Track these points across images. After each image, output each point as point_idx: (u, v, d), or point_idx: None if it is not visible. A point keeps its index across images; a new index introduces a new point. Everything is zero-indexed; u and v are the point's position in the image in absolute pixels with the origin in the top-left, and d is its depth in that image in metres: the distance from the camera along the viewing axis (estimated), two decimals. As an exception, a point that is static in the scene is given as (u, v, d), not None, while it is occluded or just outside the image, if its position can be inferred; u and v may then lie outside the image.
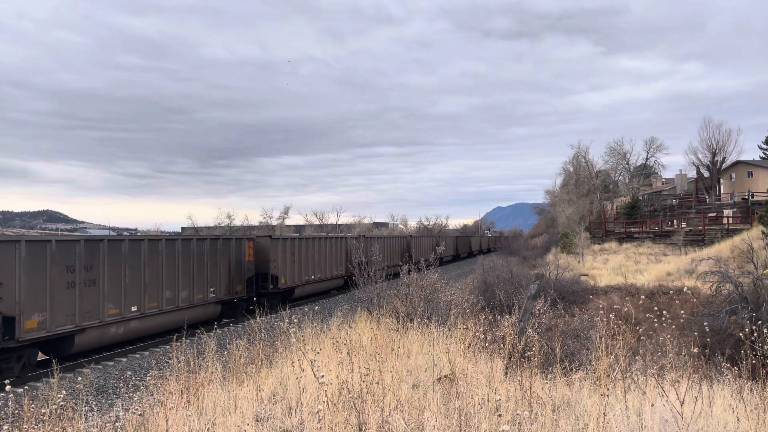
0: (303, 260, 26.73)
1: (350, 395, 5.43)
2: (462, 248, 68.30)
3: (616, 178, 73.99)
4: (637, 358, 7.96)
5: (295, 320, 8.18)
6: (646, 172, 74.15)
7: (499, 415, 4.97)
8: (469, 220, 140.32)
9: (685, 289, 21.07)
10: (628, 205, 61.84)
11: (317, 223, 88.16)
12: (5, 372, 13.00)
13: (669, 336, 7.07)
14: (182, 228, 79.73)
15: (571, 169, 71.60)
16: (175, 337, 9.06)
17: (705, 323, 14.01)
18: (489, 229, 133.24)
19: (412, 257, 41.69)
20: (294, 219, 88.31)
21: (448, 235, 75.41)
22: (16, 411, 5.91)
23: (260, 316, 10.20)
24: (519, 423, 4.84)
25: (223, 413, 6.05)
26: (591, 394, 6.35)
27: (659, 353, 7.88)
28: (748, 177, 60.46)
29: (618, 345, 6.43)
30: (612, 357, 6.61)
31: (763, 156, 75.00)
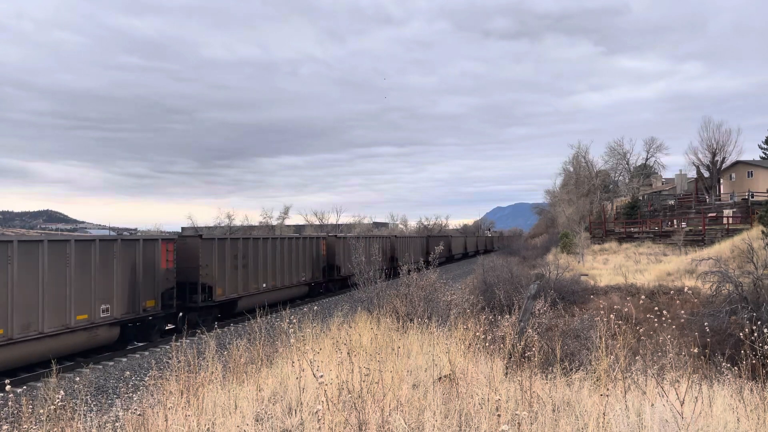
0: (250, 266, 23.22)
1: (350, 395, 5.42)
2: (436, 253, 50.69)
3: (616, 178, 74.01)
4: (637, 358, 7.95)
5: (295, 321, 8.18)
6: (646, 172, 74.18)
7: (499, 415, 4.96)
8: (469, 220, 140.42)
9: (685, 289, 21.08)
10: (628, 205, 61.86)
11: (317, 223, 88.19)
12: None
13: (669, 336, 7.07)
14: (182, 228, 79.75)
15: (571, 169, 71.57)
16: (174, 337, 9.06)
17: (705, 323, 14.02)
18: (489, 229, 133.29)
19: (337, 269, 31.43)
20: (294, 219, 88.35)
21: (415, 236, 60.57)
22: (15, 411, 5.90)
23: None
24: (519, 423, 4.83)
25: (223, 413, 6.05)
26: (591, 394, 6.34)
27: (659, 353, 7.87)
28: (748, 177, 60.46)
29: (618, 345, 6.43)
30: (612, 357, 6.61)
31: (763, 156, 75.00)
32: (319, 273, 29.65)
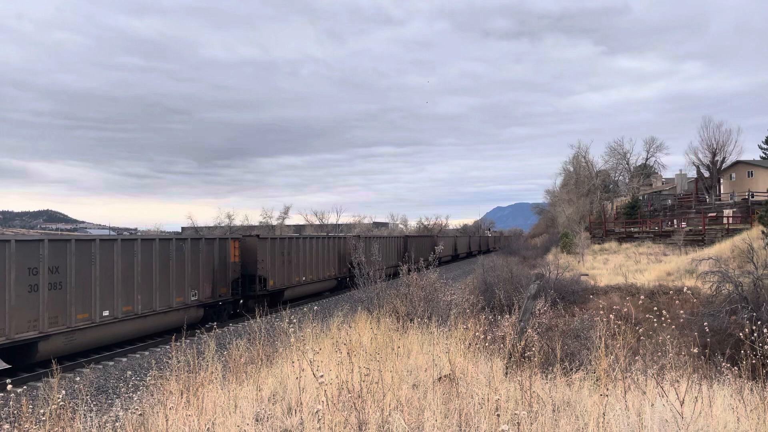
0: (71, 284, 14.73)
1: (350, 395, 5.43)
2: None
3: (616, 178, 74.08)
4: (637, 358, 7.95)
5: (295, 321, 8.18)
6: (646, 172, 74.22)
7: (499, 415, 4.96)
8: (470, 220, 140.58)
9: (685, 289, 21.07)
10: (628, 205, 61.88)
11: (317, 222, 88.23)
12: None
13: (669, 336, 7.07)
14: (182, 228, 79.83)
15: (571, 169, 71.71)
16: (174, 336, 9.07)
17: (705, 323, 14.01)
18: (489, 229, 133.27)
19: (262, 281, 23.87)
20: (294, 219, 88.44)
21: (388, 236, 45.71)
22: (15, 411, 5.90)
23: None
24: (519, 423, 4.83)
25: (223, 413, 6.05)
26: (591, 394, 6.34)
27: (659, 353, 7.88)
28: (748, 177, 60.50)
29: (618, 345, 6.42)
30: (612, 357, 6.60)
31: (763, 156, 75.03)
32: (227, 288, 21.69)
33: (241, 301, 22.28)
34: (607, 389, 5.85)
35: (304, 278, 27.69)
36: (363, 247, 34.59)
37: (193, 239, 20.11)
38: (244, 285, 23.26)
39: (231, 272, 21.98)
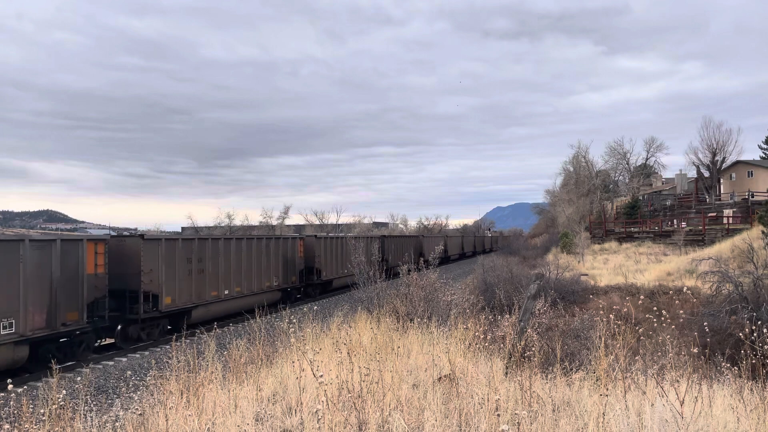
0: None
1: (350, 395, 5.43)
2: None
3: (616, 178, 74.11)
4: (637, 358, 7.95)
5: (295, 321, 8.18)
6: (646, 171, 74.24)
7: (499, 415, 4.96)
8: (470, 220, 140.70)
9: (685, 289, 21.07)
10: (628, 204, 61.90)
11: (317, 222, 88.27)
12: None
13: (669, 336, 7.07)
14: (182, 228, 79.87)
15: (571, 169, 71.77)
16: (174, 336, 9.07)
17: (705, 323, 14.04)
18: (489, 229, 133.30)
19: (152, 300, 17.59)
20: (294, 219, 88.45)
21: (358, 236, 39.01)
22: (16, 411, 5.90)
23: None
24: (519, 423, 4.83)
25: (223, 413, 6.05)
26: (591, 394, 6.34)
27: (659, 353, 7.88)
28: (749, 177, 60.50)
29: (618, 345, 6.42)
30: (612, 357, 6.60)
31: (763, 156, 75.01)
32: (79, 312, 15.30)
33: (119, 328, 16.97)
34: (607, 389, 5.85)
35: (226, 292, 21.54)
36: (326, 251, 29.01)
37: (1, 241, 13.39)
38: (122, 306, 17.13)
39: (87, 288, 15.40)
